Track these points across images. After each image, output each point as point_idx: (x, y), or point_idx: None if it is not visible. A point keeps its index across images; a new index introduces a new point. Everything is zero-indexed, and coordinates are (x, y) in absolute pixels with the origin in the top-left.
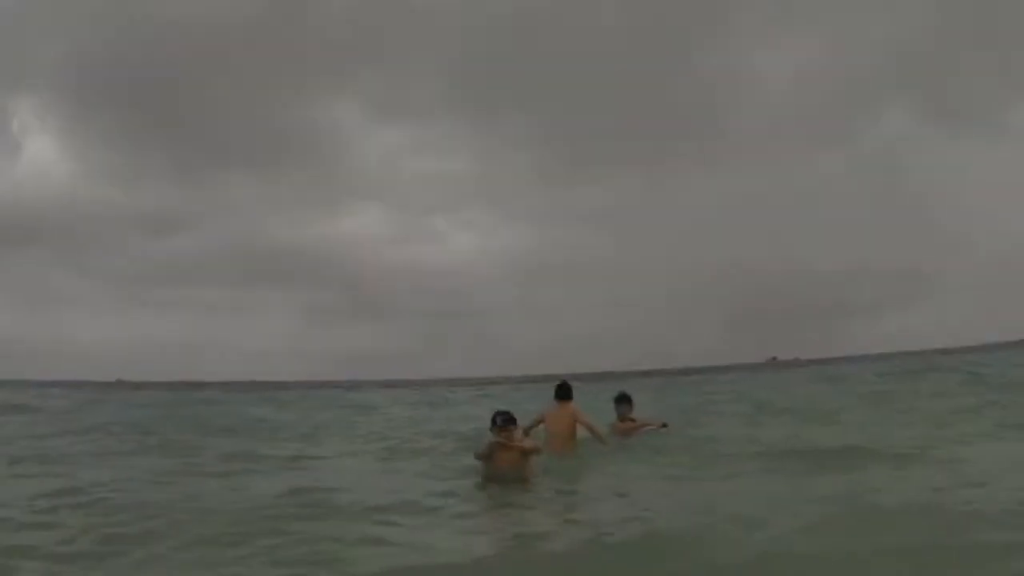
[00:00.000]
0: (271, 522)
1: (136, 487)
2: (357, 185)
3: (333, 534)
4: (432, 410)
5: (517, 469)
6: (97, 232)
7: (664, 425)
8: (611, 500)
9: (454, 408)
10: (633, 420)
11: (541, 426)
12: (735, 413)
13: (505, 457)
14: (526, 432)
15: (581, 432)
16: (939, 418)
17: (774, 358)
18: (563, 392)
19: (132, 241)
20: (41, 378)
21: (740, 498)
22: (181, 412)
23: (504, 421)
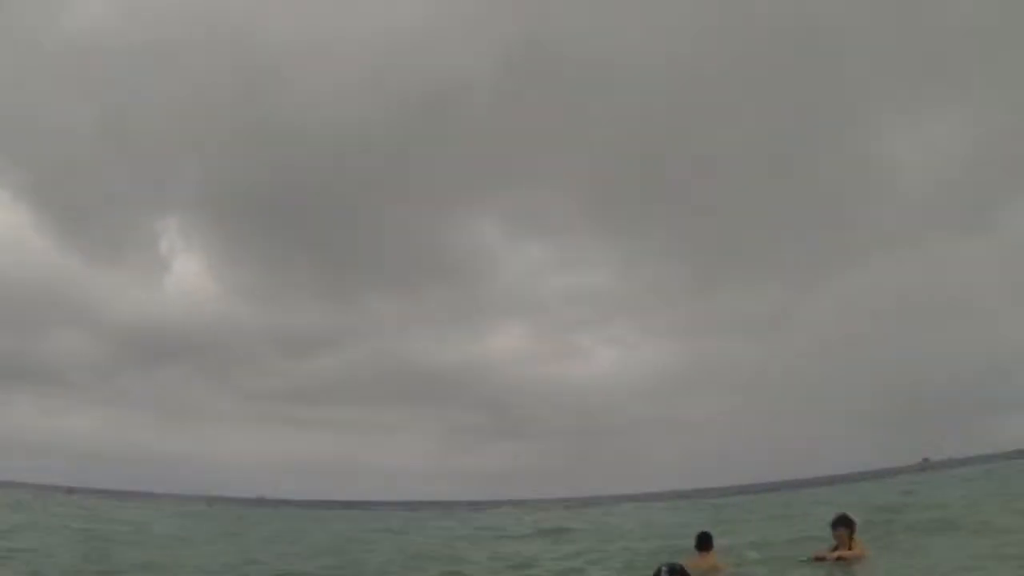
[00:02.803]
0: None
1: None
2: (500, 303)
3: None
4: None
5: None
6: (241, 349)
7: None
8: None
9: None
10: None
11: None
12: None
13: None
14: None
15: None
16: None
17: (926, 459)
18: (702, 543)
19: (275, 358)
20: (184, 492)
21: None
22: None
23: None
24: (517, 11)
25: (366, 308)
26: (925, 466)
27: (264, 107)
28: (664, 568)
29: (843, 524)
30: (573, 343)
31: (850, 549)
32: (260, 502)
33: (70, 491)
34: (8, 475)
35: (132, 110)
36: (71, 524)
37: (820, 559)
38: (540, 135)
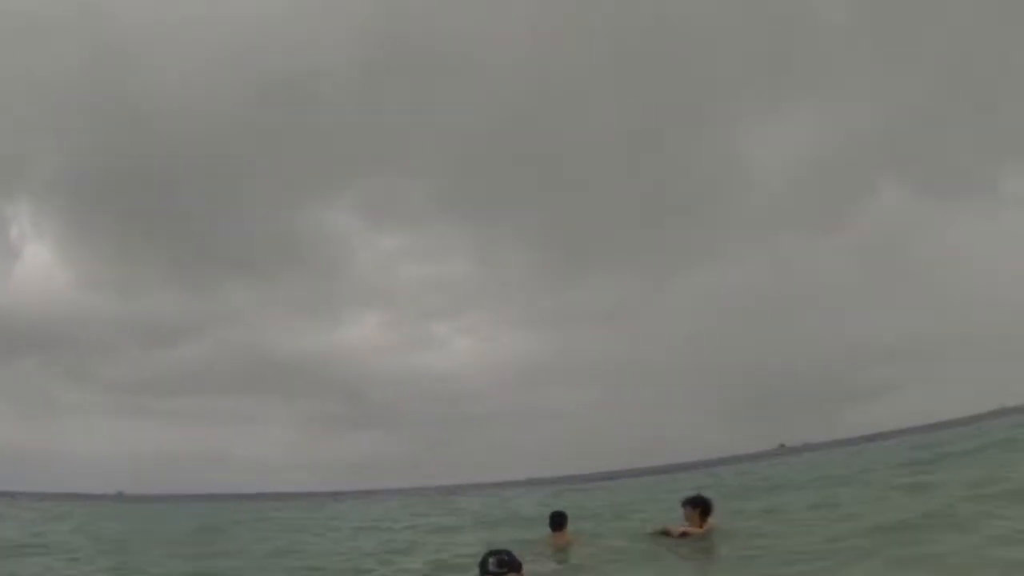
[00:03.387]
0: None
1: None
2: (356, 292)
3: None
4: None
5: None
6: (96, 339)
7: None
8: None
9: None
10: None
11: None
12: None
13: None
14: None
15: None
16: None
17: (782, 445)
18: (556, 522)
19: (131, 348)
20: (38, 489)
21: None
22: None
23: (500, 566)
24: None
25: (223, 297)
26: (781, 452)
27: (118, 89)
28: (491, 559)
29: (692, 504)
30: (430, 333)
31: (700, 528)
32: (119, 498)
33: None
34: None
35: None
36: None
37: (664, 533)
38: (397, 123)
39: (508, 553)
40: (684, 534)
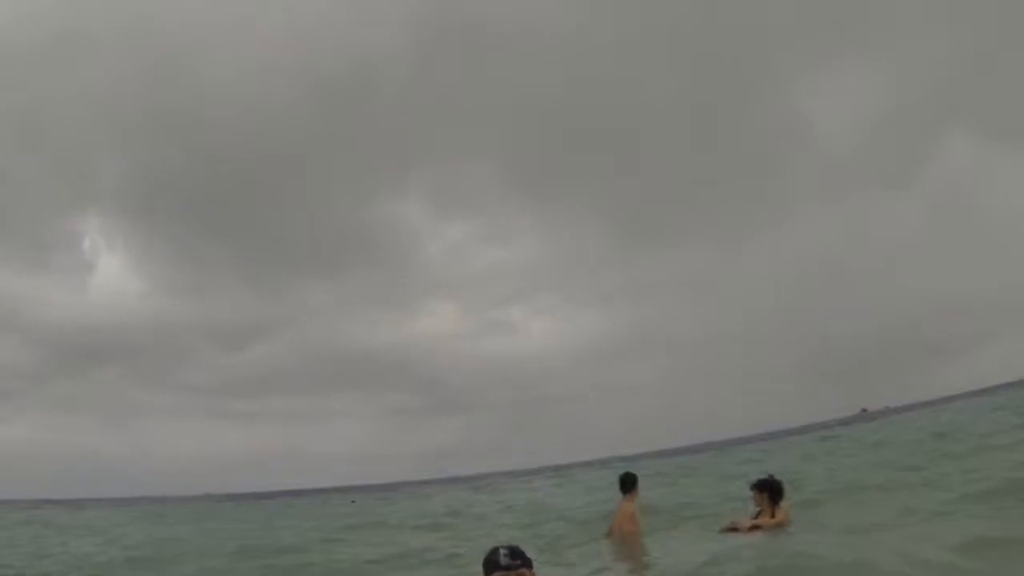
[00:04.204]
0: None
1: None
2: (427, 282)
3: None
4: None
5: None
6: (172, 346)
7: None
8: None
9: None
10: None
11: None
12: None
13: None
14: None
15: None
16: None
17: (864, 410)
18: (625, 484)
19: (208, 352)
20: (127, 494)
21: None
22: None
23: (511, 559)
24: None
25: (294, 295)
26: (864, 416)
27: (176, 98)
28: (503, 551)
29: (760, 487)
30: (504, 317)
31: (772, 516)
32: (207, 499)
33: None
34: None
35: (43, 108)
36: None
37: (732, 530)
38: (456, 109)
39: (519, 549)
40: (754, 528)
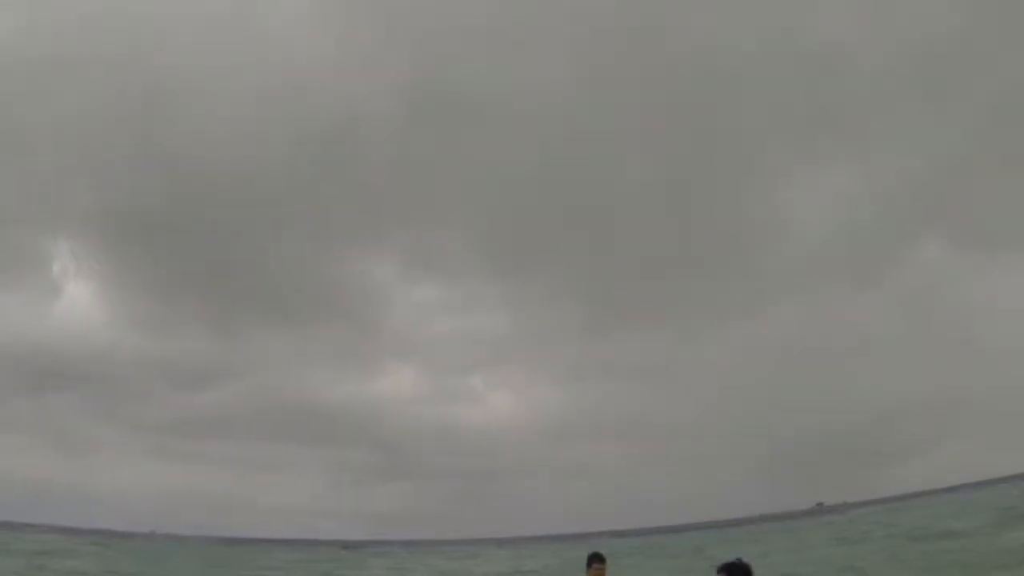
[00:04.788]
0: None
1: None
2: (392, 343)
3: None
4: None
5: None
6: (129, 379)
7: None
8: None
9: None
10: None
11: None
12: None
13: None
14: None
15: None
16: None
17: (820, 503)
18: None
19: (163, 390)
20: (71, 524)
21: None
22: None
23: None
24: (414, 50)
25: (257, 343)
26: (819, 510)
27: (160, 131)
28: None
29: (730, 572)
30: (463, 386)
31: None
32: (150, 537)
33: None
34: None
35: (24, 125)
36: None
37: None
38: (436, 174)
39: None
40: None
